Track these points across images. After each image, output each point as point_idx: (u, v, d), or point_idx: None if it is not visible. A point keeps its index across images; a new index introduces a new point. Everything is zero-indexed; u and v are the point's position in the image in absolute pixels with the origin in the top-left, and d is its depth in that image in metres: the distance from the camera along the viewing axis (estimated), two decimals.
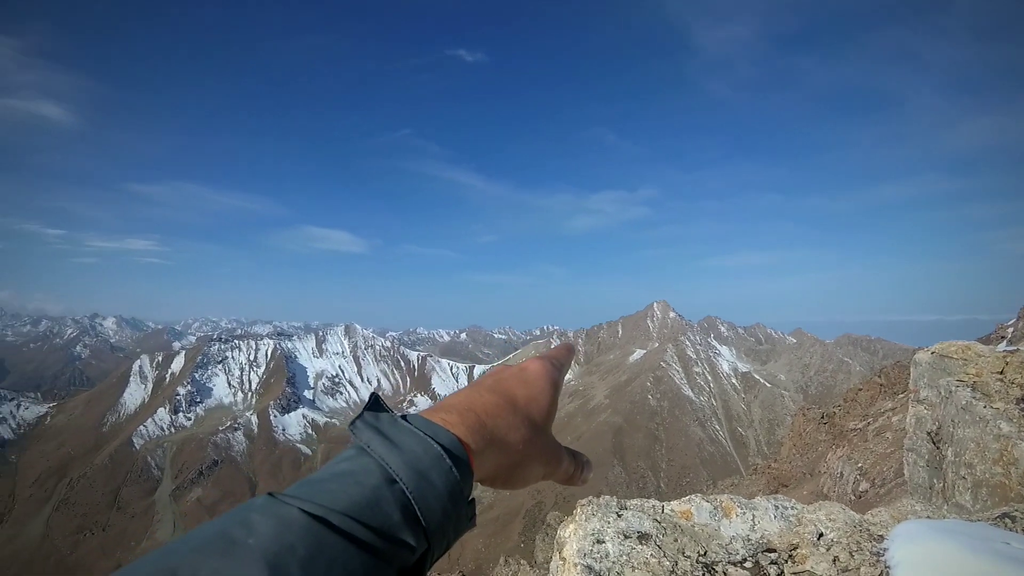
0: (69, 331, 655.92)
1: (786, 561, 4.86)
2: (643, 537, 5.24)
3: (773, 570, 4.80)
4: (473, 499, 1.46)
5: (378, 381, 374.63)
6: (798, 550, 4.91)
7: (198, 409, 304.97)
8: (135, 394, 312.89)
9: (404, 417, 1.44)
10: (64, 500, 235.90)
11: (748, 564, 4.95)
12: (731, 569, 4.89)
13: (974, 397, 7.70)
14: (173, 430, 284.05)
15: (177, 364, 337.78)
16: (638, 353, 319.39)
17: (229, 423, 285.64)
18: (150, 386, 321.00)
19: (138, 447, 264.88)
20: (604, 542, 5.26)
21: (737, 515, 5.44)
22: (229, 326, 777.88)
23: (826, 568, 4.57)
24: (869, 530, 4.94)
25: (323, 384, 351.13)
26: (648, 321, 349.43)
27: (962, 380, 8.16)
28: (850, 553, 4.62)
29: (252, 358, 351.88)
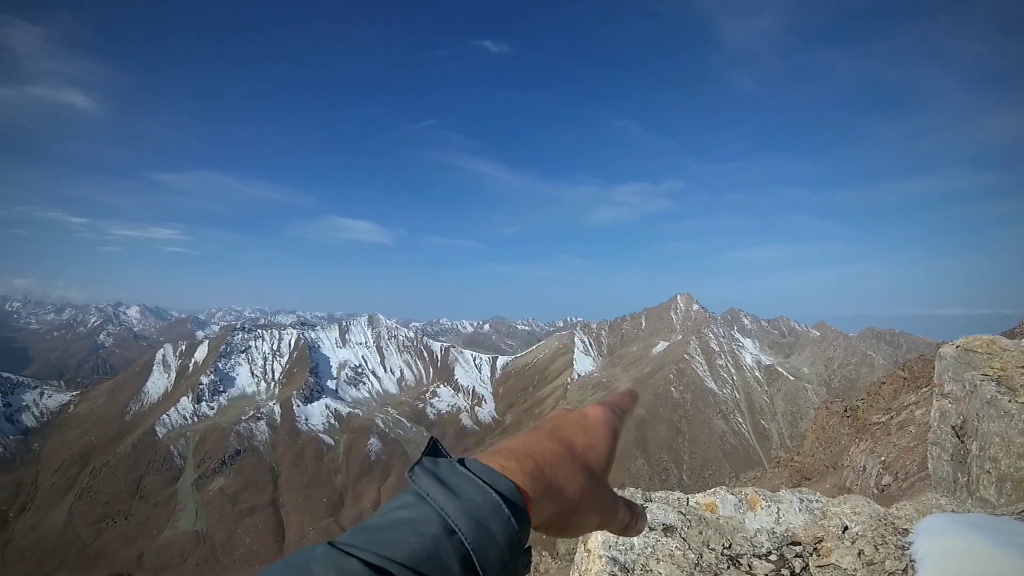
0: (93, 319, 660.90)
1: (811, 554, 4.98)
2: (668, 529, 5.49)
3: (798, 563, 4.93)
4: (529, 547, 1.46)
5: (401, 372, 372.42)
6: (823, 543, 5.02)
7: (221, 398, 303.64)
8: (158, 383, 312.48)
9: (463, 461, 1.48)
10: (87, 488, 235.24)
11: (773, 557, 5.09)
12: (756, 562, 5.04)
13: (999, 391, 7.75)
14: (196, 419, 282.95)
15: (200, 353, 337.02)
16: (661, 345, 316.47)
17: (252, 413, 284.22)
18: (173, 375, 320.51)
19: (161, 436, 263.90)
20: None
21: (762, 508, 5.73)
22: (253, 316, 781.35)
23: (851, 562, 4.65)
24: (894, 524, 5.07)
25: (346, 374, 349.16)
26: (671, 313, 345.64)
27: (987, 374, 8.16)
28: (875, 547, 4.71)
29: (275, 348, 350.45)
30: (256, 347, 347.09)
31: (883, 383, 52.99)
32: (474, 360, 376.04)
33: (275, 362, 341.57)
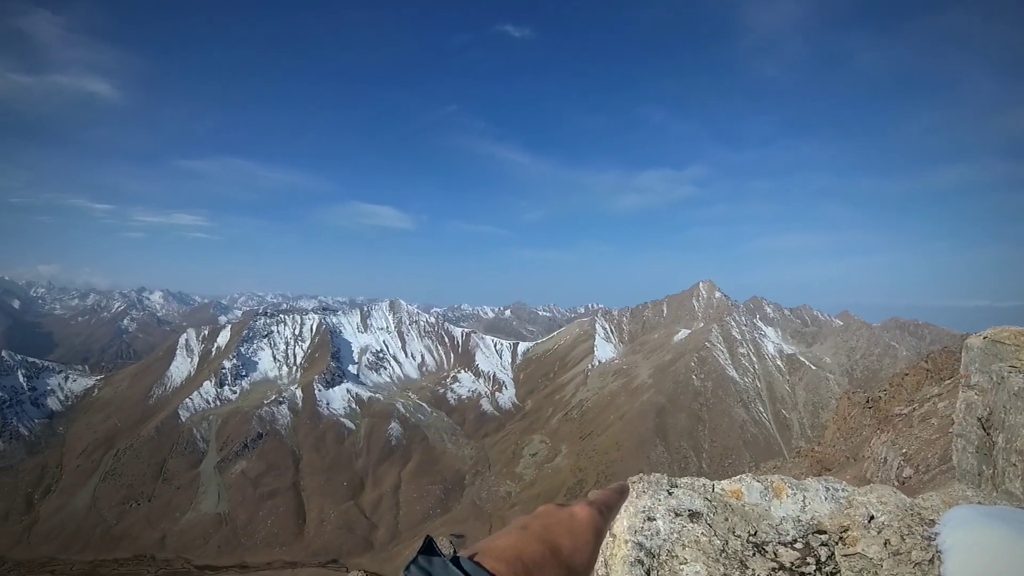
0: (117, 305, 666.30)
1: (836, 543, 5.02)
2: (694, 515, 5.52)
3: (824, 552, 4.97)
4: None
5: (422, 357, 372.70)
6: (849, 532, 5.05)
7: (243, 383, 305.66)
8: (181, 367, 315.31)
9: (456, 560, 1.57)
10: (111, 471, 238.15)
11: (799, 545, 5.12)
12: (781, 550, 5.08)
13: None
14: (218, 403, 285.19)
15: (223, 338, 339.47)
16: (683, 333, 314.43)
17: (274, 397, 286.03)
18: (196, 359, 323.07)
19: (184, 420, 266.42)
20: (655, 519, 5.47)
21: (788, 496, 5.76)
22: (275, 301, 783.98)
23: (877, 551, 4.71)
24: (920, 514, 5.08)
25: (367, 359, 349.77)
26: (694, 301, 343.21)
27: (1015, 366, 8.13)
28: (901, 537, 4.76)
29: (297, 332, 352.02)
30: (278, 332, 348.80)
31: (906, 374, 52.67)
32: (495, 346, 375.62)
33: (297, 347, 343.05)
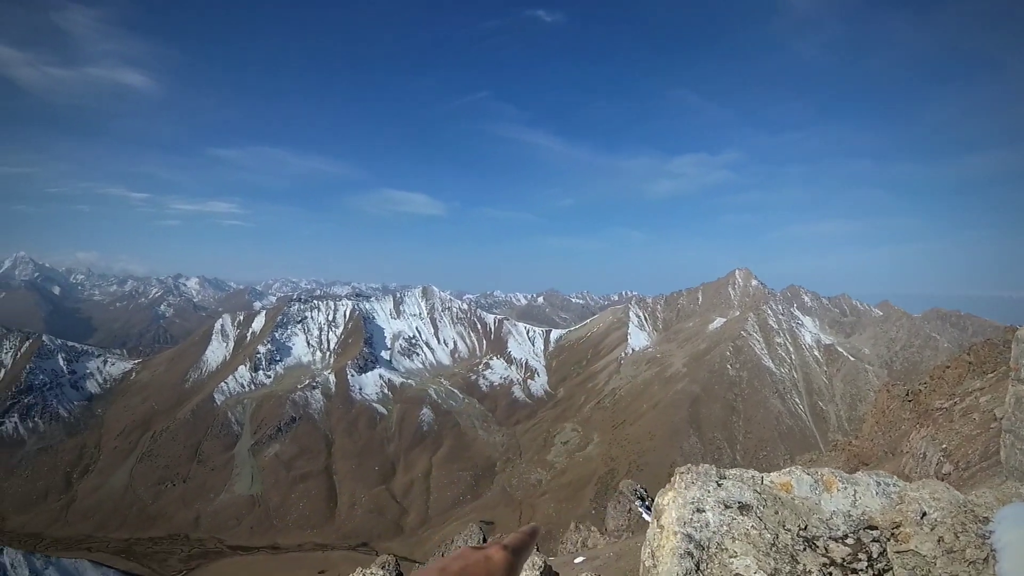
0: (154, 291, 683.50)
1: (888, 539, 4.97)
2: (744, 508, 5.48)
3: (875, 548, 4.92)
4: None
5: (454, 343, 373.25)
6: (901, 528, 4.96)
7: (277, 367, 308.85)
8: (217, 352, 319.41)
9: None
10: (147, 452, 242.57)
11: (849, 541, 5.06)
12: (832, 545, 5.02)
13: None
14: (253, 387, 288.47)
15: (258, 323, 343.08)
16: (718, 321, 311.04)
17: (307, 381, 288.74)
18: (231, 344, 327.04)
19: (219, 403, 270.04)
20: (704, 511, 5.42)
21: (838, 490, 5.70)
22: (309, 287, 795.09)
23: (931, 548, 4.64)
24: (974, 511, 4.97)
25: (400, 345, 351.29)
26: (729, 289, 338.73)
27: None
28: (955, 534, 4.67)
29: (331, 318, 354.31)
30: (312, 318, 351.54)
31: (947, 367, 50.27)
32: (527, 333, 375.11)
33: (330, 332, 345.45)
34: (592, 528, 50.40)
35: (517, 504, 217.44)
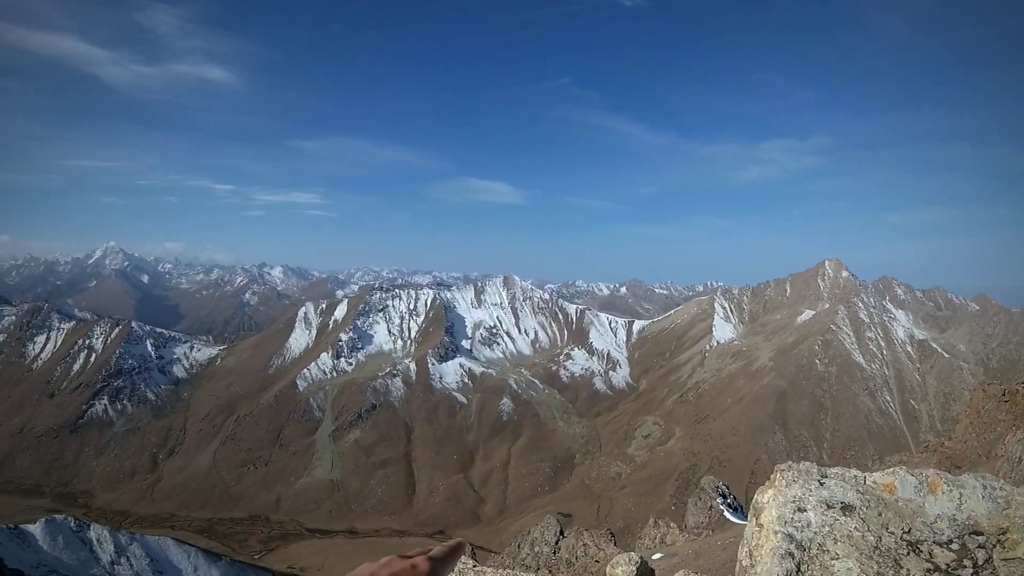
0: (239, 279, 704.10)
1: (995, 546, 4.80)
2: (846, 508, 5.34)
3: (981, 555, 4.74)
4: None
5: (535, 333, 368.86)
6: (1008, 535, 4.82)
7: (359, 355, 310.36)
8: (300, 339, 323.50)
9: None
10: (231, 436, 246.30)
11: (954, 546, 4.91)
12: (936, 550, 4.88)
13: None
14: (335, 374, 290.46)
15: (340, 312, 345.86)
16: (807, 314, 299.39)
17: (388, 369, 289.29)
18: (314, 332, 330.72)
19: (301, 389, 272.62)
20: (806, 511, 5.31)
21: (943, 492, 5.50)
22: (390, 276, 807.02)
23: None
24: None
25: (480, 334, 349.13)
26: (819, 280, 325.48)
27: None
28: None
29: (412, 307, 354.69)
30: (393, 306, 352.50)
31: None
32: (609, 324, 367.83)
33: (411, 321, 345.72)
34: (671, 524, 46.34)
35: (595, 497, 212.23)
